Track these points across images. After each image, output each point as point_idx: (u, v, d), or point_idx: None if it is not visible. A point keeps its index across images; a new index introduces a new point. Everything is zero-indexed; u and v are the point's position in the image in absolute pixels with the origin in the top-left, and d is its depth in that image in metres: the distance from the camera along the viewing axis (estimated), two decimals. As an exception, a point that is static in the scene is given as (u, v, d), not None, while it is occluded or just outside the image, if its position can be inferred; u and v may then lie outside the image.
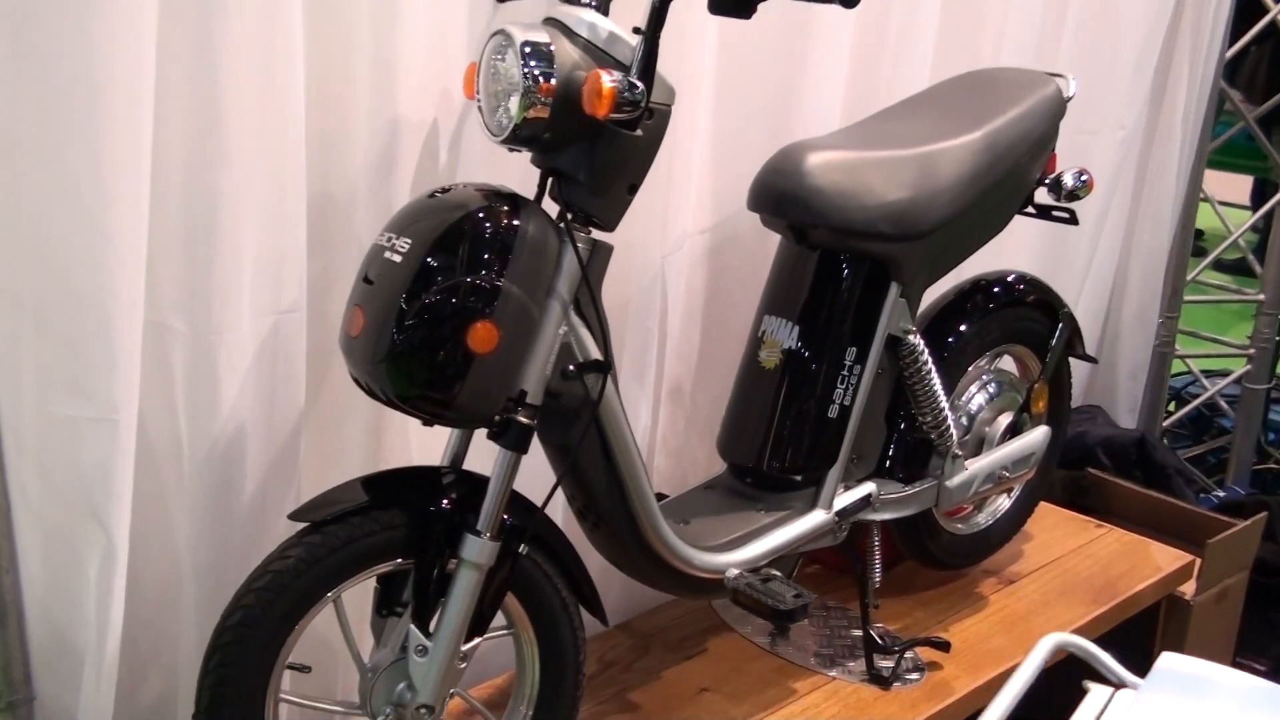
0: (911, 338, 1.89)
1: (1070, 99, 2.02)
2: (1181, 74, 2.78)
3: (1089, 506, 2.62)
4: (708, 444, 2.15)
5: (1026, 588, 2.29)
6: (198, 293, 1.51)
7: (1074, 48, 2.49)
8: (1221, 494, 2.93)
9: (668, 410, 2.09)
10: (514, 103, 1.46)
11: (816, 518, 1.86)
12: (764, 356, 1.87)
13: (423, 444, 1.78)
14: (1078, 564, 2.37)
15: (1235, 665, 2.55)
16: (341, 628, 1.56)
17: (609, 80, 1.41)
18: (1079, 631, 2.17)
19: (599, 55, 1.49)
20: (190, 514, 1.60)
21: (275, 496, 1.66)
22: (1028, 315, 2.15)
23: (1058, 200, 2.02)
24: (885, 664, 2.00)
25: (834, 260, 1.85)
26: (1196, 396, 3.28)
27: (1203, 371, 3.29)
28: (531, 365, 1.50)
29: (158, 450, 1.55)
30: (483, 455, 1.61)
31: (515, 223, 1.46)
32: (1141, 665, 1.65)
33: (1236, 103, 3.00)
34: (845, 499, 1.89)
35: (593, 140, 1.50)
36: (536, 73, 1.44)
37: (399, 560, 1.53)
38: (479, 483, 1.57)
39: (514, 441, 1.51)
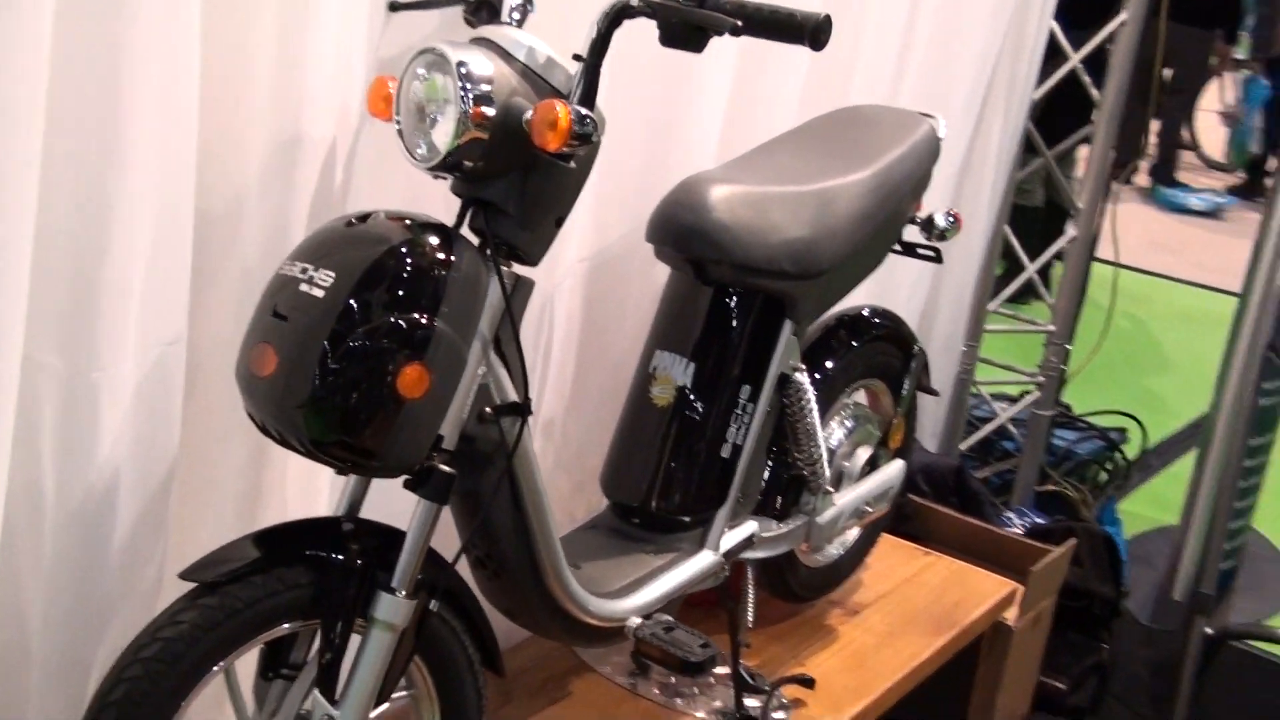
0: (799, 375, 1.93)
1: (942, 140, 2.12)
2: (997, 112, 2.97)
3: (910, 533, 2.75)
4: (574, 478, 2.13)
5: (871, 618, 2.39)
6: (80, 322, 1.36)
7: (917, 87, 2.61)
8: (1025, 519, 3.15)
9: (538, 445, 2.05)
10: (447, 127, 1.40)
11: (705, 559, 1.88)
12: (656, 393, 1.86)
13: (302, 489, 1.68)
14: (914, 593, 2.49)
15: (1039, 685, 2.75)
16: (234, 700, 1.45)
17: (564, 112, 1.37)
18: (926, 663, 2.29)
19: (536, 81, 1.45)
20: (49, 573, 1.44)
21: (144, 550, 1.52)
22: (885, 349, 2.23)
23: (928, 239, 2.11)
24: (753, 704, 2.03)
25: (729, 297, 1.86)
26: (984, 420, 3.50)
27: (992, 396, 3.52)
28: (452, 409, 1.44)
29: (13, 501, 1.39)
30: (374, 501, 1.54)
31: (448, 258, 1.40)
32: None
33: (1039, 142, 3.23)
34: (731, 539, 1.91)
35: (524, 170, 1.45)
36: (474, 96, 1.38)
37: (302, 622, 1.44)
38: (386, 534, 1.49)
39: (435, 492, 1.45)
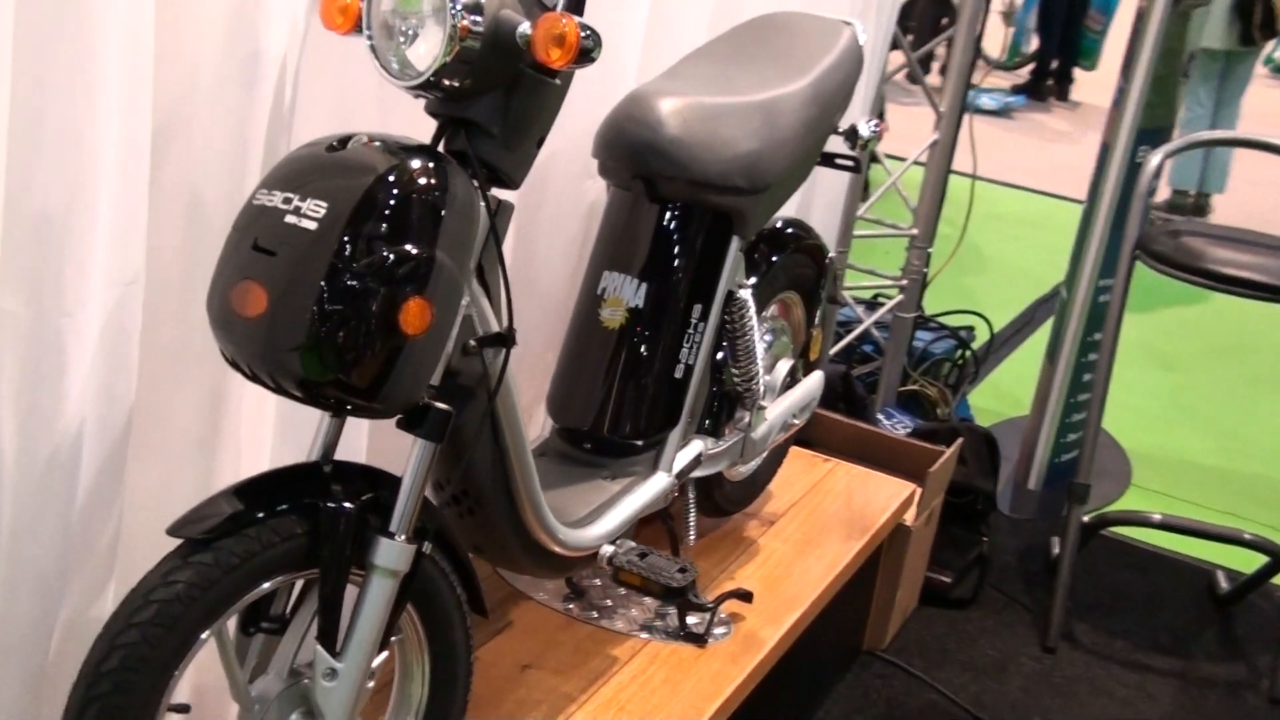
0: (743, 292, 1.94)
1: (863, 45, 2.14)
2: (870, 12, 3.01)
3: (804, 440, 2.82)
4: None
5: (786, 528, 2.44)
6: (46, 264, 1.24)
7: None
8: (893, 420, 3.27)
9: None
10: (431, 42, 1.33)
11: (660, 481, 1.88)
12: (606, 315, 1.84)
13: (255, 435, 1.59)
14: (821, 501, 2.56)
15: (926, 580, 2.89)
16: (224, 658, 1.38)
17: (571, 27, 1.31)
18: (846, 568, 2.37)
19: None
20: (7, 534, 1.33)
21: (102, 506, 1.42)
22: (802, 261, 2.26)
23: (852, 148, 2.13)
24: (695, 620, 2.06)
25: (678, 214, 1.84)
26: (845, 325, 3.60)
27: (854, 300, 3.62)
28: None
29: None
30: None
31: (442, 183, 1.34)
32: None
33: (904, 45, 3.29)
34: (681, 459, 1.92)
35: (509, 88, 1.40)
36: (463, 8, 1.31)
37: (295, 574, 1.38)
38: (372, 477, 1.44)
39: (432, 430, 1.40)
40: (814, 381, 2.27)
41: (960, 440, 2.82)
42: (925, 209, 3.39)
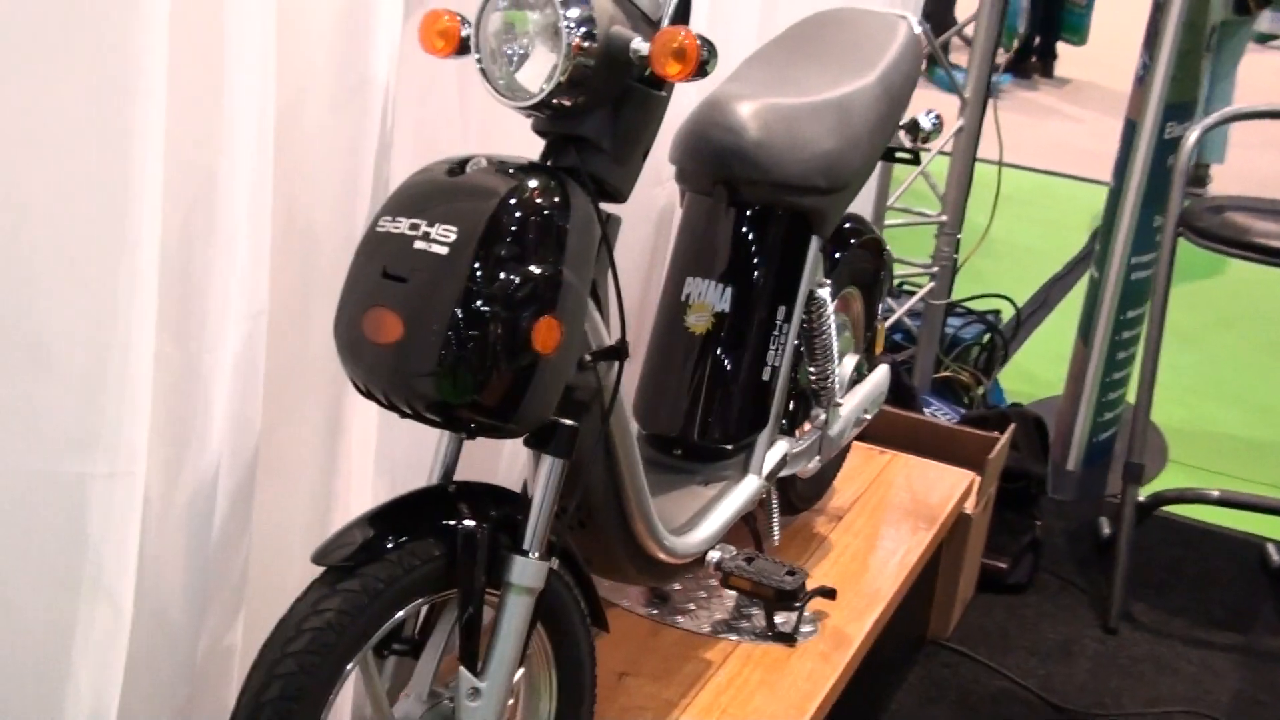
0: (822, 291, 1.96)
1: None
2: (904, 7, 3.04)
3: (860, 434, 2.85)
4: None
5: (855, 523, 2.48)
6: (192, 304, 1.26)
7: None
8: (931, 408, 3.31)
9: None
10: (543, 62, 1.35)
11: (752, 484, 1.90)
12: (692, 321, 1.86)
13: (362, 463, 1.61)
14: (885, 493, 2.59)
15: (982, 566, 2.93)
16: (368, 684, 1.40)
17: (691, 42, 1.34)
18: (920, 559, 2.40)
19: (627, 7, 1.41)
20: (152, 569, 1.34)
21: (234, 538, 1.44)
22: (862, 256, 2.29)
23: (913, 142, 2.16)
24: (783, 620, 2.09)
25: (758, 217, 1.87)
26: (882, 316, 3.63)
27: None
28: None
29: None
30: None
31: (564, 201, 1.36)
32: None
33: (925, 32, 3.33)
34: (770, 460, 1.95)
35: (617, 102, 1.42)
36: (579, 27, 1.33)
37: (434, 596, 1.40)
38: (497, 496, 1.46)
39: (561, 447, 1.42)
40: (881, 375, 2.30)
41: (1013, 426, 2.85)
42: (953, 195, 3.43)
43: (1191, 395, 4.13)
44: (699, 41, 1.34)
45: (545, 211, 1.33)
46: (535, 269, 1.31)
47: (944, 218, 3.43)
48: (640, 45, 1.36)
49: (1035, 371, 4.17)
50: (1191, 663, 2.77)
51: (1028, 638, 2.81)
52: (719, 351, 1.86)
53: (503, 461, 1.94)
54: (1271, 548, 3.13)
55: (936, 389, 3.66)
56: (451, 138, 1.65)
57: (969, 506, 2.67)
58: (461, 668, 1.39)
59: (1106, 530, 3.16)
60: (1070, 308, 4.76)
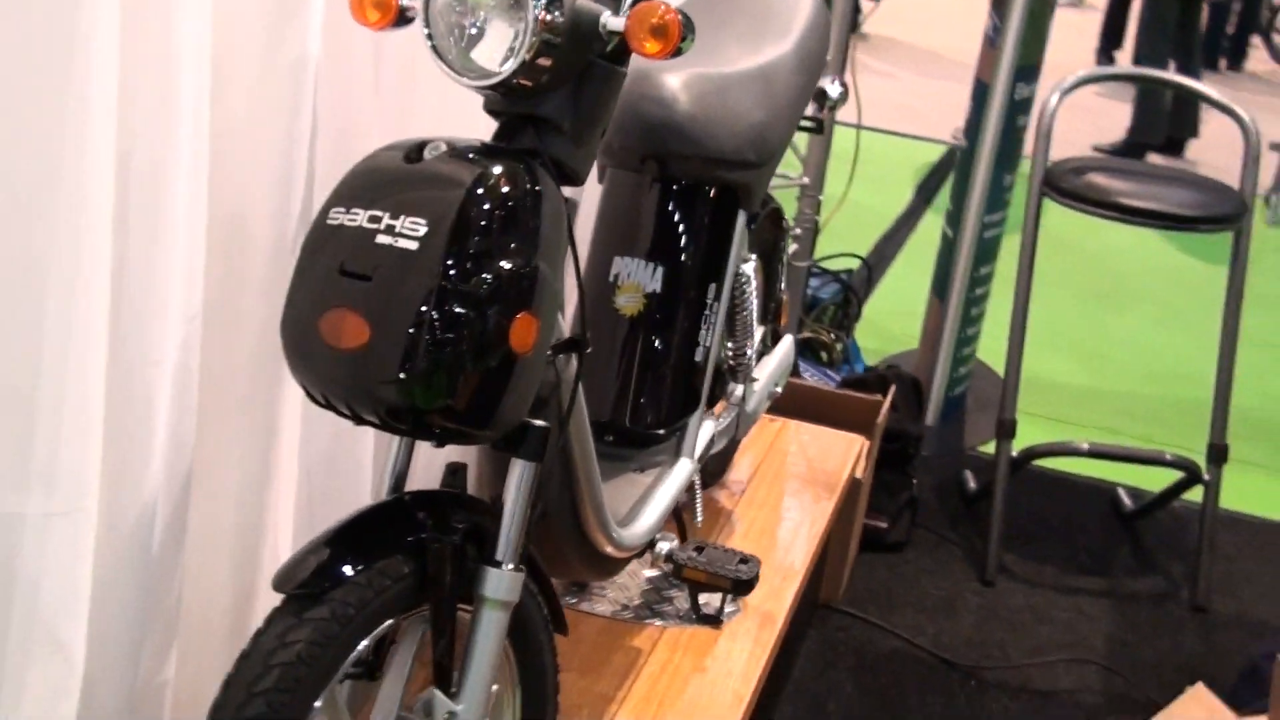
0: (746, 266, 1.91)
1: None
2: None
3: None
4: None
5: (758, 494, 2.45)
6: (128, 303, 1.12)
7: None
8: (812, 372, 3.31)
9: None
10: (501, 39, 1.25)
11: (686, 467, 1.85)
12: (622, 303, 1.79)
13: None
14: (781, 462, 2.58)
15: (864, 526, 2.95)
16: (335, 716, 1.29)
17: (672, 16, 1.25)
18: (827, 527, 2.40)
19: None
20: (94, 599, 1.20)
21: (169, 563, 1.30)
22: (765, 226, 2.25)
23: (819, 111, 2.12)
24: (705, 601, 2.05)
25: (689, 192, 1.80)
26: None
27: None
28: None
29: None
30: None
31: (534, 188, 1.26)
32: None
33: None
34: (702, 442, 1.90)
35: (579, 80, 1.33)
36: (544, 2, 1.23)
37: (401, 617, 1.30)
38: (457, 504, 1.37)
39: (534, 450, 1.33)
40: (787, 347, 2.27)
41: (893, 388, 2.88)
42: (815, 157, 3.42)
43: (1030, 346, 4.25)
44: (680, 18, 1.26)
45: (516, 200, 1.24)
46: (510, 263, 1.22)
47: (806, 180, 3.43)
48: (611, 20, 1.27)
49: (882, 327, 4.23)
50: (1065, 610, 2.86)
51: (912, 595, 2.85)
52: (651, 334, 1.79)
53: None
54: (1122, 492, 3.25)
55: (799, 350, 3.67)
56: (367, 118, 1.53)
57: (859, 471, 2.68)
58: (435, 690, 1.30)
59: (971, 484, 3.23)
60: (907, 264, 4.86)
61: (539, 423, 1.32)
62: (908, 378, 3.17)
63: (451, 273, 1.19)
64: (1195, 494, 3.01)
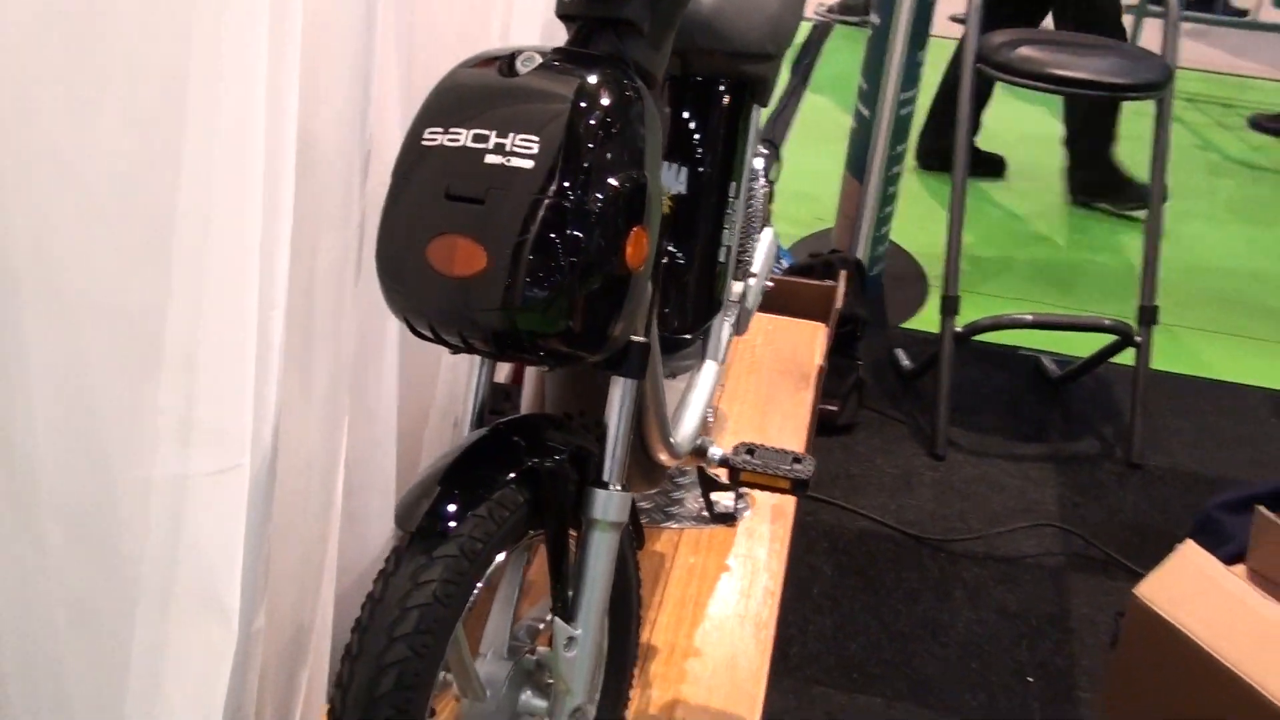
0: (758, 162, 1.89)
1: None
2: None
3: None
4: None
5: (738, 389, 2.46)
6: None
7: None
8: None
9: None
10: None
11: (713, 370, 1.84)
12: (647, 208, 1.74)
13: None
14: (753, 355, 2.59)
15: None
16: (458, 650, 1.26)
17: None
18: (812, 414, 2.42)
19: None
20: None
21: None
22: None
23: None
24: (721, 500, 2.06)
25: (704, 88, 1.76)
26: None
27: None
28: None
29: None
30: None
31: (637, 97, 1.22)
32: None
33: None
34: (724, 343, 1.89)
35: None
36: None
37: (517, 545, 1.28)
38: (559, 426, 1.33)
39: (635, 367, 1.30)
40: (771, 238, 2.26)
41: (844, 274, 2.91)
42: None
43: (930, 222, 4.34)
44: None
45: (621, 111, 1.19)
46: (620, 176, 1.18)
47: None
48: None
49: (783, 211, 4.25)
50: (1014, 478, 2.97)
51: (870, 476, 2.92)
52: (678, 237, 1.76)
53: (441, 377, 1.78)
54: (1045, 359, 3.37)
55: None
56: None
57: (819, 358, 2.72)
58: (555, 618, 1.28)
59: (906, 362, 3.31)
60: (799, 146, 4.88)
61: (639, 338, 1.29)
62: (852, 260, 3.20)
63: (569, 191, 1.14)
64: (1123, 357, 3.14)
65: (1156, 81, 2.86)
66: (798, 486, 1.68)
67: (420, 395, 1.70)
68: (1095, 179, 4.32)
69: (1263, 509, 2.13)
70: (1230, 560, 2.14)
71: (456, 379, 1.76)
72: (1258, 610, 1.96)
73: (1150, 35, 4.95)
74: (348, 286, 1.33)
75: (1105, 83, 2.82)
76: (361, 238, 1.32)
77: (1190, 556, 2.08)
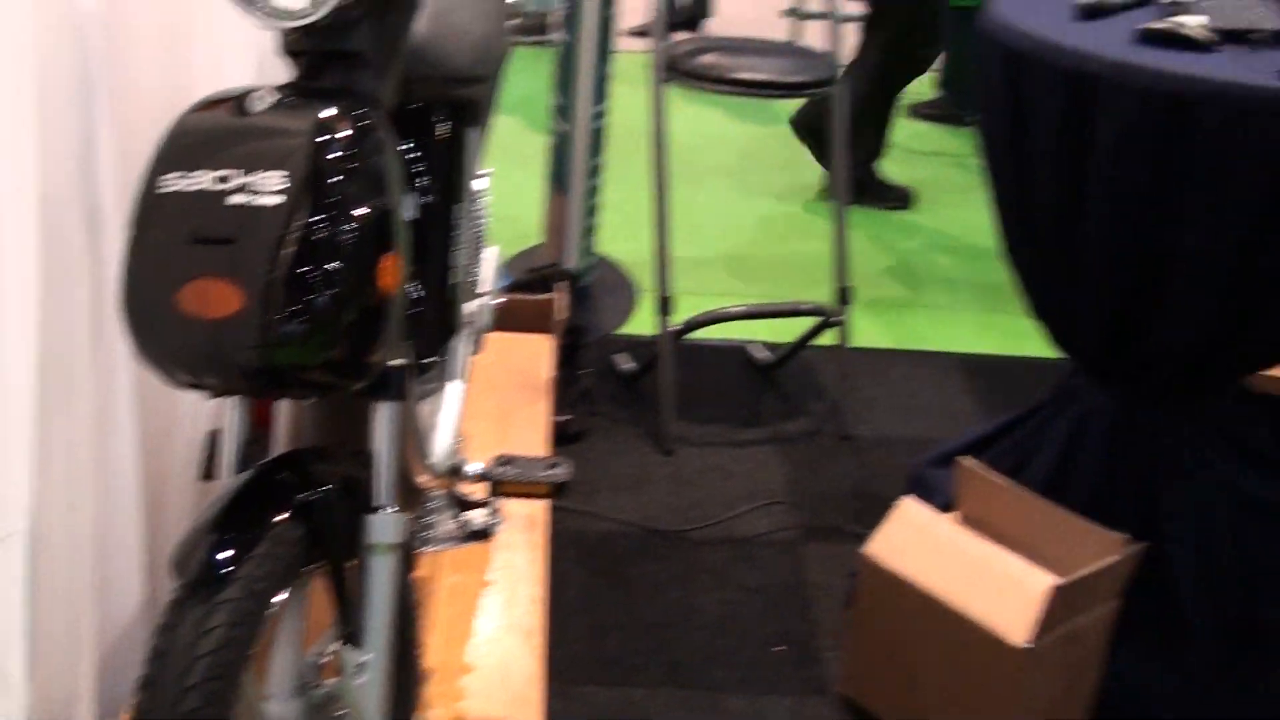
0: (480, 183, 1.94)
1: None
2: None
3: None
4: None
5: (479, 405, 2.51)
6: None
7: None
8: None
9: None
10: None
11: (458, 390, 1.88)
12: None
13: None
14: (487, 371, 2.64)
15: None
16: (248, 691, 1.26)
17: None
18: (549, 424, 2.49)
19: None
20: None
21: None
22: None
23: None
24: (474, 517, 2.11)
25: (422, 115, 1.80)
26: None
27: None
28: None
29: None
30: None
31: (375, 126, 1.26)
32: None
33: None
34: (464, 361, 1.93)
35: (382, 8, 1.32)
36: None
37: (296, 580, 1.29)
38: (325, 456, 1.36)
39: (396, 390, 1.34)
40: (493, 256, 2.32)
41: (564, 284, 2.99)
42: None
43: (632, 227, 4.50)
44: None
45: (362, 141, 1.24)
46: (368, 205, 1.22)
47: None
48: None
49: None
50: (741, 463, 3.13)
51: (606, 479, 3.01)
52: (414, 266, 1.79)
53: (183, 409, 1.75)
54: (754, 348, 3.56)
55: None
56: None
57: (550, 369, 2.80)
58: (343, 646, 1.30)
59: (626, 365, 3.42)
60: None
61: (398, 362, 1.33)
62: (567, 272, 3.29)
63: (318, 224, 1.17)
64: (829, 337, 3.36)
65: (829, 78, 3.08)
66: (559, 489, 1.74)
67: (160, 450, 1.67)
68: (855, 182, 4.59)
69: (963, 459, 2.34)
70: (943, 510, 2.34)
71: (197, 431, 1.73)
72: (971, 551, 2.16)
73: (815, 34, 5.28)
74: (84, 348, 1.31)
75: (787, 83, 3.02)
76: (97, 296, 1.30)
77: (908, 512, 2.26)
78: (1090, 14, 2.07)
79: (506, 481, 1.76)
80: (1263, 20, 1.94)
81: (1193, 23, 1.91)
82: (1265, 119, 1.83)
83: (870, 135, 4.57)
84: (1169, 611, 2.26)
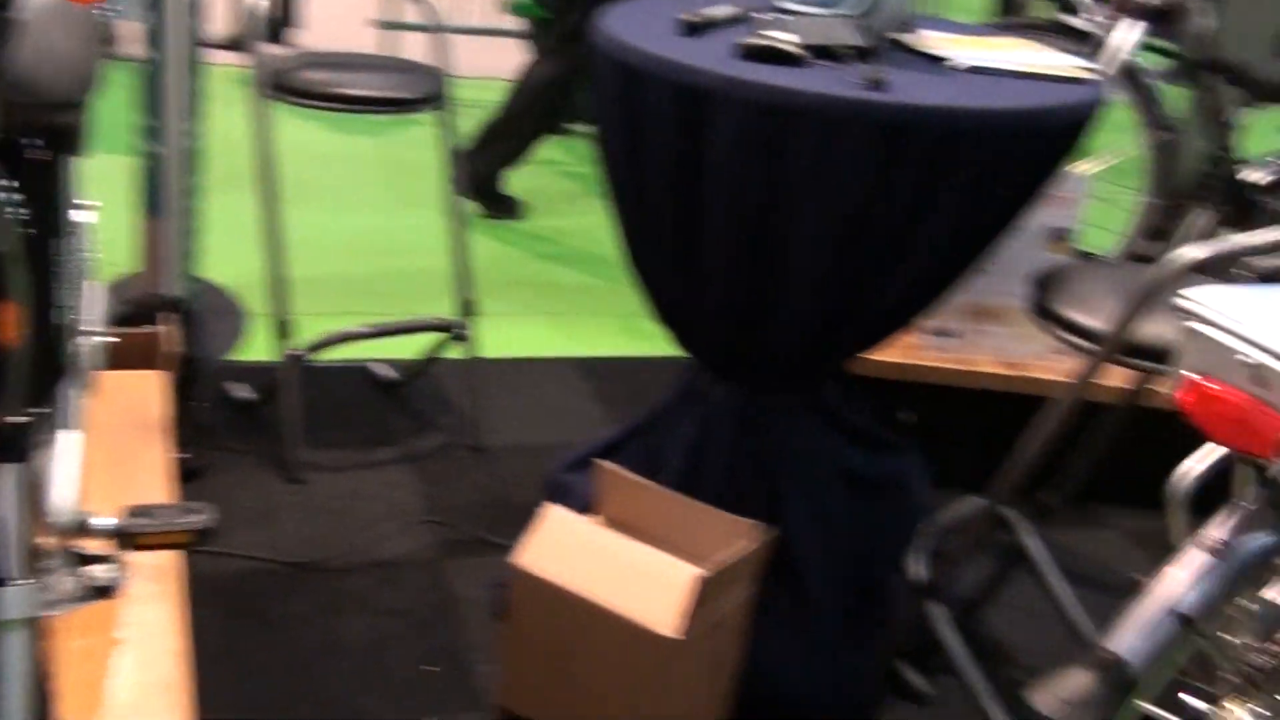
0: (82, 215, 1.80)
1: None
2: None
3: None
4: None
5: (90, 452, 2.33)
6: None
7: None
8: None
9: None
10: None
11: (72, 439, 1.74)
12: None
13: None
14: (95, 415, 2.45)
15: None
16: None
17: None
18: (169, 464, 2.36)
19: None
20: None
21: None
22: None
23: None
24: (93, 572, 1.96)
25: (10, 145, 1.64)
26: None
27: None
28: None
29: None
30: None
31: None
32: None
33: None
34: (77, 407, 1.79)
35: None
36: None
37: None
38: None
39: (20, 449, 1.23)
40: (99, 293, 2.16)
41: (171, 315, 2.83)
42: None
43: (238, 248, 4.31)
44: None
45: None
46: None
47: None
48: None
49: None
50: (375, 484, 3.08)
51: (235, 514, 2.89)
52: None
53: None
54: (374, 367, 3.52)
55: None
56: None
57: (165, 406, 2.65)
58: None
59: (243, 393, 3.29)
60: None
61: (18, 419, 1.22)
62: (172, 300, 3.11)
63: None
64: (458, 351, 3.36)
65: (438, 93, 3.08)
66: (205, 536, 1.65)
67: None
68: (478, 185, 4.57)
69: (600, 462, 2.41)
70: (583, 513, 2.40)
71: None
72: (616, 550, 2.23)
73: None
74: None
75: (397, 99, 2.99)
76: None
77: (553, 519, 2.30)
78: (693, 30, 2.18)
79: (146, 534, 1.65)
80: (846, 37, 2.11)
81: (786, 39, 2.05)
82: (854, 127, 1.98)
83: (513, 145, 4.62)
84: (795, 588, 2.41)
